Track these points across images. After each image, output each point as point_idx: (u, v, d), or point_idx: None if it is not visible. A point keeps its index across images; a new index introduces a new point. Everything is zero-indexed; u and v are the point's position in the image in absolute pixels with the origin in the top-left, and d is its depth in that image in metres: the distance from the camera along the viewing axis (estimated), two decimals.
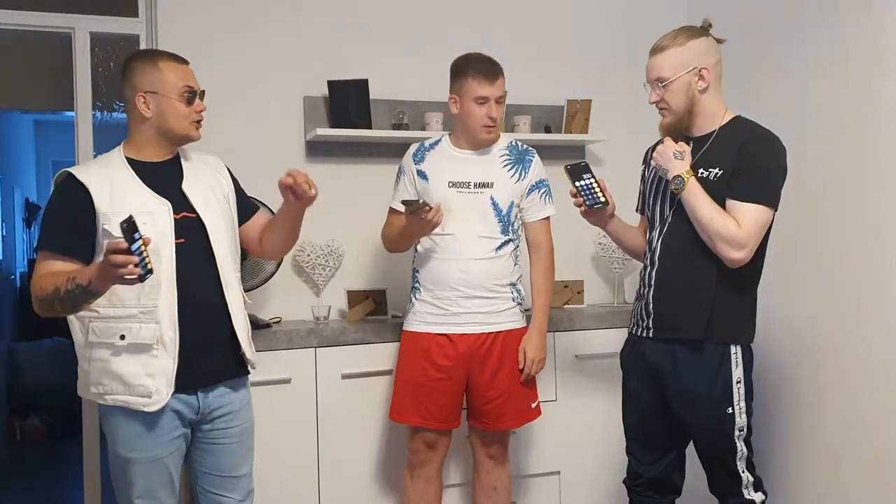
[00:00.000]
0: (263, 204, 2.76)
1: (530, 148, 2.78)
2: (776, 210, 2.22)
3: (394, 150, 3.30)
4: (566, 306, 3.42)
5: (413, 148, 2.77)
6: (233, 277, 2.19)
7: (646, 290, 2.35)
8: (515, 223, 2.70)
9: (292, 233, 2.32)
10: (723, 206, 2.18)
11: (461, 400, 2.68)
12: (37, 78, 4.35)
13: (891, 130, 2.68)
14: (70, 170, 2.10)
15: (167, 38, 3.10)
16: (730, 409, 2.22)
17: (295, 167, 3.17)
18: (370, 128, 3.20)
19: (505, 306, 2.65)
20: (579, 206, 2.38)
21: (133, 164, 2.12)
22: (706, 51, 2.21)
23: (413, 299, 2.70)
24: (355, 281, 3.23)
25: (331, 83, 3.16)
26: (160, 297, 2.01)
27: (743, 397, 2.23)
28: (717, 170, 2.19)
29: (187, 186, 2.15)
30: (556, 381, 3.11)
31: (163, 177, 2.13)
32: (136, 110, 2.11)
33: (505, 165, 2.67)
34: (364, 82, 3.18)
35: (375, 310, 3.13)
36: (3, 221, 6.13)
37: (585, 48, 3.65)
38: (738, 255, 2.14)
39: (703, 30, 2.26)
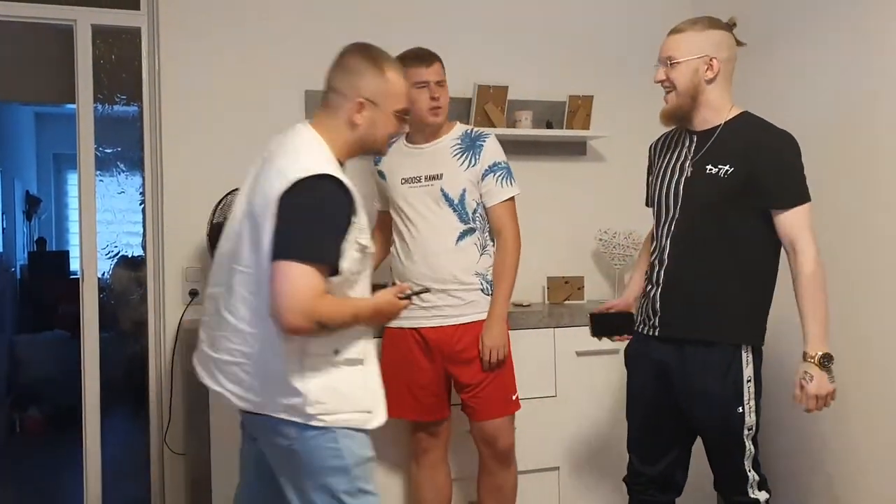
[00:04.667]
0: None
1: (485, 132, 2.74)
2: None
3: None
4: (566, 302, 3.42)
5: None
6: None
7: (653, 289, 2.32)
8: (477, 211, 2.67)
9: None
10: (736, 203, 2.15)
11: (445, 391, 2.73)
12: (38, 70, 4.35)
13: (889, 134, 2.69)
14: (332, 173, 1.81)
15: (168, 30, 3.10)
16: (740, 408, 2.20)
17: None
18: None
19: (471, 297, 2.65)
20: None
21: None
22: (721, 43, 2.20)
23: None
24: None
25: None
26: None
27: (753, 396, 2.21)
28: (727, 167, 2.16)
29: None
30: (555, 377, 3.11)
31: None
32: (347, 113, 1.92)
33: (454, 155, 2.66)
34: None
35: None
36: (3, 214, 6.12)
37: (587, 44, 3.64)
38: (816, 260, 2.16)
39: (727, 25, 2.25)
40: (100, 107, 3.26)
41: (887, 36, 2.71)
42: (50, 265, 6.93)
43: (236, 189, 2.91)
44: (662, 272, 2.29)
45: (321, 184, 1.78)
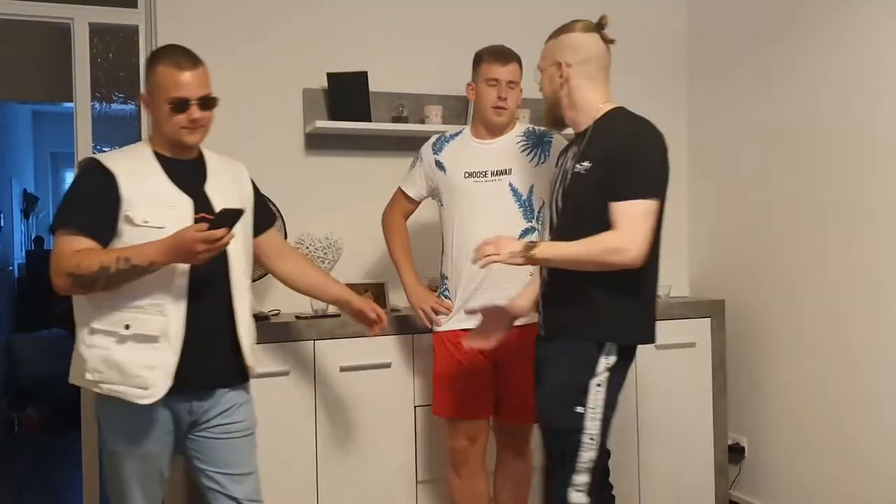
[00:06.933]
0: (280, 216, 2.79)
1: (548, 129, 2.71)
2: (660, 200, 2.07)
3: (393, 143, 3.30)
4: None
5: (433, 138, 2.79)
6: (244, 283, 2.17)
7: (539, 292, 2.30)
8: (542, 211, 2.65)
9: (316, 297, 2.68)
10: (598, 201, 2.06)
11: (491, 389, 2.67)
12: (35, 68, 4.34)
13: (882, 133, 2.69)
14: (97, 157, 2.08)
15: (166, 29, 3.09)
16: (579, 407, 2.08)
17: (294, 159, 3.21)
18: (369, 120, 3.19)
19: None
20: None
21: (159, 157, 2.11)
22: (574, 46, 2.18)
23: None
24: (354, 274, 3.22)
25: (330, 76, 3.15)
26: (171, 290, 2.01)
27: (601, 404, 2.09)
28: (587, 163, 2.10)
29: (209, 188, 2.14)
30: None
31: (186, 175, 2.12)
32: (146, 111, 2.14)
33: (522, 150, 2.66)
34: (363, 75, 3.17)
35: (374, 303, 3.12)
36: (0, 212, 6.12)
37: None
38: (627, 257, 2.00)
39: (589, 25, 2.21)
40: (97, 105, 3.26)
41: (883, 35, 2.72)
42: (47, 264, 6.90)
43: None
44: (545, 274, 2.26)
45: (82, 166, 2.10)
